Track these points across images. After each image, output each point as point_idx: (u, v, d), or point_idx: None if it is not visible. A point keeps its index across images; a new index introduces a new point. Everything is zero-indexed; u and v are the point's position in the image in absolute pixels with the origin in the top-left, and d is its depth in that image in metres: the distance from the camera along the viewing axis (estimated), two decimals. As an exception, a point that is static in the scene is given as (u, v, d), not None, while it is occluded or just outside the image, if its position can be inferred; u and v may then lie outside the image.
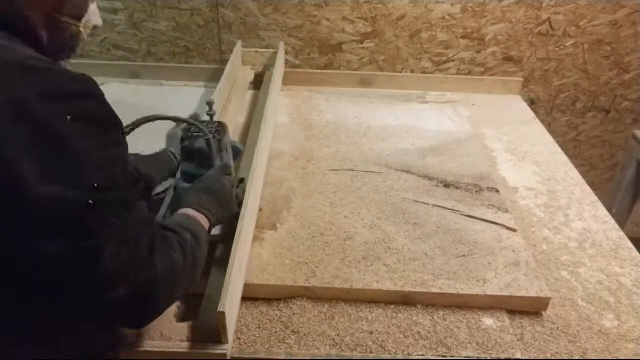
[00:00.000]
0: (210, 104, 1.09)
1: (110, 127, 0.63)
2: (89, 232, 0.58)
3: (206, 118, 1.07)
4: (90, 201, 0.57)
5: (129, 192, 0.65)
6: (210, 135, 0.97)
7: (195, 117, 1.12)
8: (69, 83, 0.59)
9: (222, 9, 1.76)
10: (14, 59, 0.57)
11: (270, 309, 0.92)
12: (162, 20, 1.79)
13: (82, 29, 0.72)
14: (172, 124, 1.15)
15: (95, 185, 0.58)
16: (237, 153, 1.13)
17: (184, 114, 1.44)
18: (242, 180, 1.04)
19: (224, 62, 1.85)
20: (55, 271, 0.58)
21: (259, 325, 0.88)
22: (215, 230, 0.93)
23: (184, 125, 1.04)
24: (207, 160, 0.97)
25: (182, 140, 1.00)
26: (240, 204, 0.97)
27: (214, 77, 1.71)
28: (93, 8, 0.73)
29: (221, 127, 1.04)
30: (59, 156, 0.56)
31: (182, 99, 1.63)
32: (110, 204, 0.61)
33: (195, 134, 0.98)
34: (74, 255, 0.58)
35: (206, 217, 0.84)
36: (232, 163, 1.05)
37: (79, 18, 0.71)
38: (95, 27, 0.75)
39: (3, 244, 0.56)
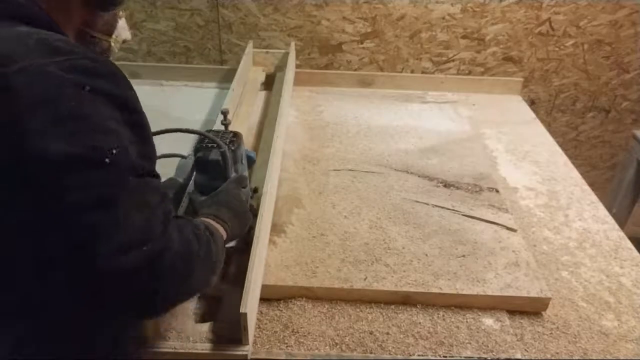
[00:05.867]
0: (224, 113, 1.03)
1: (126, 108, 0.60)
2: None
3: (220, 127, 1.02)
4: (97, 161, 0.55)
5: (143, 164, 0.61)
6: (226, 147, 0.92)
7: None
8: (90, 62, 0.59)
9: (222, 9, 1.76)
10: (41, 38, 0.58)
11: (270, 309, 0.91)
12: (162, 20, 1.79)
13: (112, 44, 0.75)
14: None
15: (103, 147, 0.55)
16: (250, 162, 1.09)
17: (184, 114, 1.46)
18: (255, 190, 1.00)
19: (224, 62, 1.85)
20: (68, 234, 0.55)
21: (259, 325, 0.88)
22: (230, 243, 0.88)
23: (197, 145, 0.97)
24: (222, 172, 0.92)
25: (196, 151, 0.95)
26: (255, 215, 0.93)
27: (214, 77, 1.72)
28: (122, 23, 0.78)
29: (236, 137, 0.98)
30: (69, 118, 0.55)
31: (182, 99, 1.63)
32: (119, 167, 0.57)
33: (210, 145, 0.93)
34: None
35: (223, 228, 0.81)
36: (247, 174, 1.00)
37: (109, 33, 0.75)
38: (124, 41, 0.78)
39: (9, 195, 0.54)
